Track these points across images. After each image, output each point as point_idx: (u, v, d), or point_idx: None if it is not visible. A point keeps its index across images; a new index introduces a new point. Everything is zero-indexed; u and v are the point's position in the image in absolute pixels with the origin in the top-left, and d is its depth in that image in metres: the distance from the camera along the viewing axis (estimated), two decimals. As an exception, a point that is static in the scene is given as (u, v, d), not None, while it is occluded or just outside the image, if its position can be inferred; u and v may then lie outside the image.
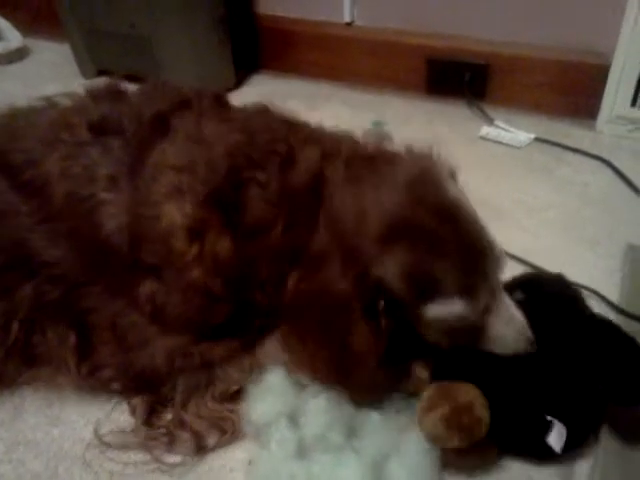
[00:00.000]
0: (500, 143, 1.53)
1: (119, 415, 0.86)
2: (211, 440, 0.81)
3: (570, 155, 1.47)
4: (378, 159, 0.80)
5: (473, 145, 1.53)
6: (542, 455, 0.77)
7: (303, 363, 0.80)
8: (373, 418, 0.79)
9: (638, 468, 0.76)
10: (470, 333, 0.77)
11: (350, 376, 0.77)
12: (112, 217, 0.82)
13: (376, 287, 0.72)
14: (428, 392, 0.75)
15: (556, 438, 0.73)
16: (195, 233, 0.78)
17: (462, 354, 0.79)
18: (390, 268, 0.71)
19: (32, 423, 0.87)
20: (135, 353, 0.84)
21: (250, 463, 0.78)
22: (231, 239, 0.79)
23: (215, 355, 0.85)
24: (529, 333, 0.77)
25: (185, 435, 0.81)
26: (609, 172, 1.40)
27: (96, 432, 0.83)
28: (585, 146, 1.48)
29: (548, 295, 0.86)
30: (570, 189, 1.35)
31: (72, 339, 0.87)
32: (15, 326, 0.87)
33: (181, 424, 0.82)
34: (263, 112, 0.90)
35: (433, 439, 0.73)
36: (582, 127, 1.56)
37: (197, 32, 1.73)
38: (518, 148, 1.51)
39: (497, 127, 1.59)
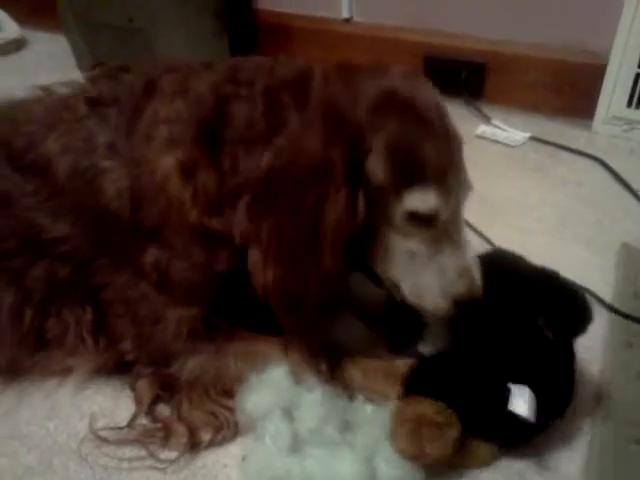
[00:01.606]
0: (496, 142, 1.54)
1: (114, 409, 0.87)
2: (206, 436, 0.81)
3: (565, 154, 1.48)
4: (370, 64, 0.81)
5: (469, 143, 1.48)
6: (516, 428, 0.74)
7: (265, 242, 0.75)
8: (366, 410, 0.80)
9: (633, 466, 0.77)
10: (425, 253, 0.76)
11: (317, 261, 0.73)
12: (112, 182, 0.82)
13: (366, 150, 0.72)
14: (396, 408, 0.75)
15: (520, 404, 0.71)
16: (187, 172, 0.79)
17: (432, 365, 0.80)
18: (382, 135, 0.72)
19: (27, 416, 0.87)
20: (149, 327, 0.85)
21: (244, 459, 0.78)
22: (216, 171, 0.79)
23: (230, 346, 0.85)
24: (478, 274, 0.77)
25: (181, 429, 0.81)
26: (604, 172, 1.40)
27: (91, 426, 0.83)
28: (580, 146, 1.49)
29: (503, 266, 0.86)
30: (565, 188, 1.36)
31: (88, 315, 0.89)
32: (29, 312, 0.89)
33: (179, 416, 0.82)
34: (249, 59, 0.89)
35: (410, 457, 0.72)
36: (578, 127, 1.57)
37: (195, 25, 1.73)
38: (514, 147, 1.52)
39: (494, 126, 1.59)
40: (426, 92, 0.77)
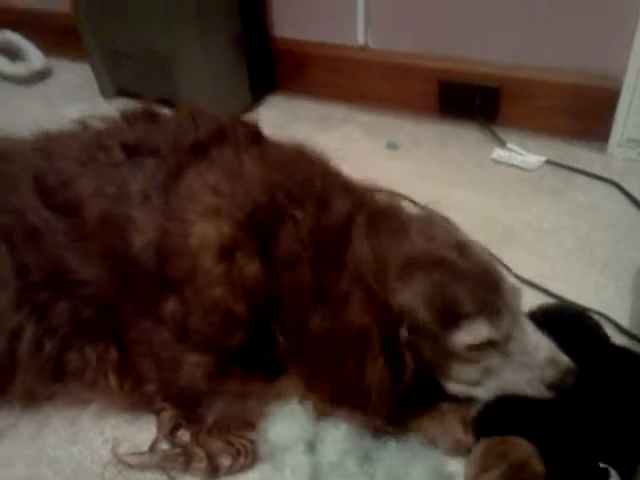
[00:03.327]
0: (512, 165, 1.54)
1: (136, 433, 0.89)
2: (225, 462, 0.82)
3: (581, 178, 1.48)
4: (395, 214, 0.87)
5: (485, 167, 1.54)
6: None
7: (317, 398, 0.81)
8: (389, 446, 0.80)
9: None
10: (498, 363, 0.79)
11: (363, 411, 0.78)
12: (142, 233, 0.84)
13: (397, 317, 0.75)
14: (479, 450, 0.75)
15: None
16: (226, 251, 0.81)
17: (505, 406, 0.79)
18: (411, 295, 0.76)
19: (53, 441, 0.89)
20: (171, 370, 0.86)
21: (263, 487, 0.80)
22: (261, 264, 0.81)
23: (251, 387, 0.87)
24: (564, 357, 0.78)
25: (201, 454, 0.83)
26: (620, 195, 1.40)
27: (114, 451, 0.85)
28: (596, 169, 1.49)
29: (570, 326, 0.87)
30: (581, 212, 1.36)
31: (114, 354, 0.90)
32: (49, 344, 0.90)
33: (198, 442, 0.84)
34: (301, 153, 0.93)
35: None
36: (593, 150, 1.57)
37: (214, 52, 1.77)
38: (529, 171, 1.52)
39: (509, 150, 1.60)
40: (443, 235, 0.82)
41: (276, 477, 0.78)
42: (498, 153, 1.59)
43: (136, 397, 0.90)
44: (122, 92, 1.98)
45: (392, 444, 0.80)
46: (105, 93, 2.01)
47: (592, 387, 0.79)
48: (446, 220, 0.86)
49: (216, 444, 0.83)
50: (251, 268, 0.81)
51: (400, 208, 0.89)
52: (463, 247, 0.79)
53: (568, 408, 0.77)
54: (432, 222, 0.85)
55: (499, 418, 0.78)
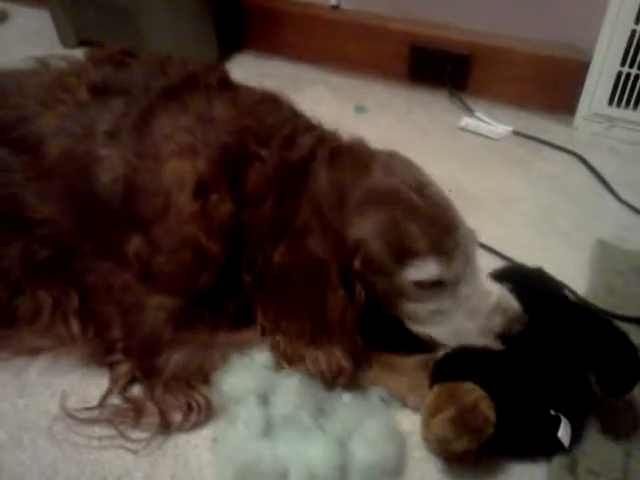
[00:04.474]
0: (479, 134, 1.54)
1: (85, 387, 0.86)
2: (177, 417, 0.81)
3: (547, 149, 1.49)
4: (358, 151, 0.86)
5: (452, 135, 1.53)
6: (552, 451, 0.76)
7: (281, 332, 0.81)
8: (344, 399, 0.80)
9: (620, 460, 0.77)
10: (448, 305, 0.80)
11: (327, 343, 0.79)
12: (108, 170, 0.82)
13: (352, 249, 0.77)
14: (432, 395, 0.76)
15: (564, 433, 0.74)
16: (202, 189, 0.80)
17: (461, 356, 0.80)
18: (367, 228, 0.77)
19: (-3, 394, 0.86)
20: (135, 315, 0.85)
21: (215, 441, 0.78)
22: (233, 204, 0.81)
23: (216, 338, 0.85)
24: (514, 304, 0.80)
25: (152, 409, 0.81)
26: (584, 168, 1.42)
27: (62, 405, 0.83)
28: (562, 141, 1.50)
29: (531, 287, 0.87)
30: (545, 183, 1.37)
31: (74, 301, 0.88)
32: None
33: (151, 397, 0.82)
34: (270, 98, 0.92)
35: (441, 441, 0.73)
36: (560, 122, 1.58)
37: (180, 5, 1.71)
38: (496, 140, 1.52)
39: (477, 119, 1.60)
40: (404, 171, 0.82)
41: (229, 430, 0.77)
42: (466, 121, 1.58)
43: (97, 344, 0.87)
44: (83, 43, 1.90)
45: (347, 398, 0.80)
46: (65, 42, 1.93)
47: (545, 339, 0.80)
48: (409, 161, 0.86)
49: (170, 399, 0.82)
50: (225, 207, 0.81)
51: (364, 145, 0.88)
52: (423, 187, 0.80)
53: (522, 358, 0.79)
54: (395, 160, 0.84)
55: (454, 367, 0.79)
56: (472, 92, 1.68)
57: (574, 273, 1.08)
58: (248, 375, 0.79)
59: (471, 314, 0.80)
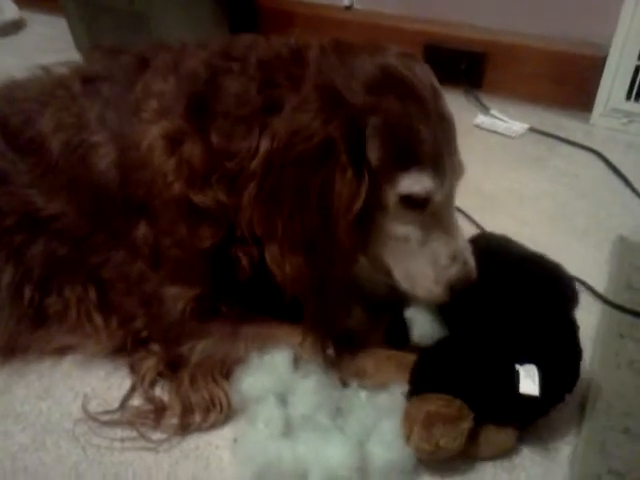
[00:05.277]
0: (495, 132, 1.54)
1: (106, 390, 0.87)
2: (198, 417, 0.81)
3: (563, 146, 1.48)
4: (363, 45, 0.79)
5: (468, 133, 1.52)
6: (524, 406, 0.74)
7: (279, 236, 0.74)
8: (360, 397, 0.80)
9: (620, 455, 0.77)
10: (417, 237, 0.77)
11: (334, 244, 0.73)
12: (102, 156, 0.83)
13: (363, 128, 0.70)
14: (403, 414, 0.75)
15: (529, 384, 0.72)
16: (172, 142, 0.78)
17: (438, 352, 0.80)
18: (378, 119, 0.70)
19: (21, 396, 0.87)
20: (157, 305, 0.85)
21: (235, 441, 0.79)
22: (203, 143, 0.77)
23: (242, 329, 0.85)
24: (472, 260, 0.78)
25: (176, 406, 0.81)
26: (601, 164, 1.41)
27: (84, 407, 0.83)
28: (579, 138, 1.49)
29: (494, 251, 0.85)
30: (562, 180, 1.36)
31: (92, 295, 0.89)
32: (28, 289, 0.89)
33: (177, 392, 0.82)
34: (252, 41, 0.86)
35: (427, 456, 0.73)
36: (576, 119, 1.57)
37: (194, 10, 1.72)
38: (512, 138, 1.51)
39: (492, 116, 1.59)
40: (422, 72, 0.76)
41: (249, 430, 0.77)
42: (481, 119, 1.58)
43: (121, 336, 0.88)
44: (98, 46, 1.91)
45: (362, 395, 0.79)
46: (81, 48, 1.95)
47: (499, 297, 0.79)
48: (427, 67, 0.79)
49: (194, 396, 0.82)
50: (195, 150, 0.77)
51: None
52: (437, 92, 0.75)
53: (475, 319, 0.79)
54: (412, 59, 0.77)
55: (430, 372, 0.78)
56: (487, 90, 1.67)
57: (593, 270, 1.07)
58: (267, 375, 0.79)
59: (433, 257, 0.77)
